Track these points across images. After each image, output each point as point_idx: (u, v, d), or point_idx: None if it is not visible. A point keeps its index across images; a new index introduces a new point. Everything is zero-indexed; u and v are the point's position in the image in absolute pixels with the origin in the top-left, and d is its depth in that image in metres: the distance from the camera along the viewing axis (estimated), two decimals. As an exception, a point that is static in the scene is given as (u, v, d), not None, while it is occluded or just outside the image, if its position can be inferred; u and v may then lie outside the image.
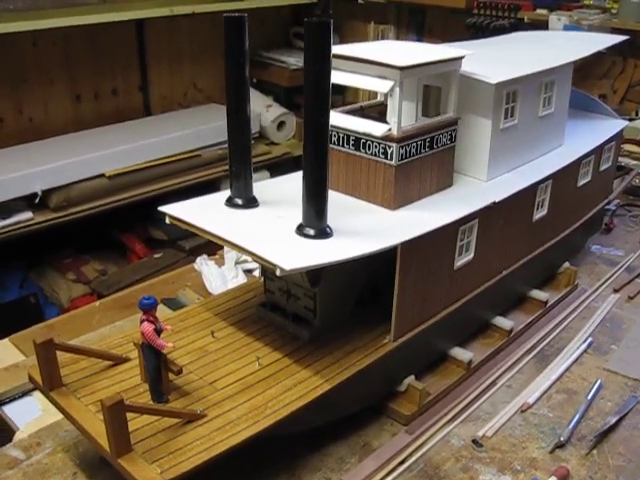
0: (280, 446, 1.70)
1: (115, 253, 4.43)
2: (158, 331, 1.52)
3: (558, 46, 2.49)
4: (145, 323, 1.50)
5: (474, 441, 1.83)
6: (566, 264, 2.55)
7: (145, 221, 4.46)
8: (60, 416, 1.70)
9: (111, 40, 4.54)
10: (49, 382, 1.60)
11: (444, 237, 1.81)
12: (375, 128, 1.74)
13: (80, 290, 4.03)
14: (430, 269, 1.81)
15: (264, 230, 1.65)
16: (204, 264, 2.59)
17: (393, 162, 1.74)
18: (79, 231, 4.13)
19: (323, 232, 1.61)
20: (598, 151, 2.51)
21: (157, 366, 1.54)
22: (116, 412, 1.34)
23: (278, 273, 1.45)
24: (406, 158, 1.77)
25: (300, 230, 1.61)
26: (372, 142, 1.77)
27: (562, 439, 1.82)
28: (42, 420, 1.92)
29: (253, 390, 1.60)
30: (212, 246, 3.37)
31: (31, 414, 1.96)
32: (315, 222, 1.59)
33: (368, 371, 1.72)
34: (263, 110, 5.18)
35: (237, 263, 2.66)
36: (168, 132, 4.44)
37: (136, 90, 4.83)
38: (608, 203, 2.82)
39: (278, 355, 1.74)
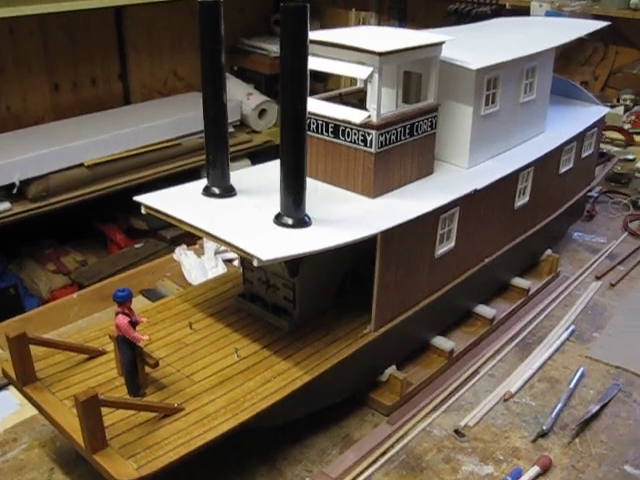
0: (260, 438, 1.68)
1: (96, 243, 4.38)
2: (133, 324, 1.49)
3: (539, 32, 2.47)
4: (120, 316, 1.47)
5: (456, 431, 1.81)
6: (548, 251, 2.54)
7: (126, 211, 4.40)
8: (36, 410, 1.67)
9: (90, 28, 4.47)
10: (23, 377, 1.57)
11: (425, 225, 1.78)
12: (354, 115, 1.71)
13: (60, 281, 3.98)
14: (411, 258, 1.78)
15: (241, 220, 1.62)
16: (183, 254, 2.56)
17: (372, 149, 1.72)
18: (59, 221, 4.08)
19: (302, 221, 1.58)
20: (580, 138, 2.49)
21: (133, 359, 1.51)
22: (90, 407, 1.31)
23: (255, 263, 1.42)
24: (386, 145, 1.74)
25: (278, 219, 1.58)
26: (351, 129, 1.74)
27: (544, 428, 1.81)
28: (20, 415, 1.88)
29: (231, 382, 1.58)
30: (192, 236, 3.33)
31: (8, 409, 1.92)
32: (293, 211, 1.56)
33: (349, 361, 1.69)
34: (244, 98, 5.13)
35: (217, 253, 2.63)
36: (148, 121, 4.38)
37: (115, 79, 4.76)
38: (590, 190, 2.81)
39: (257, 346, 1.71)
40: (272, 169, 1.92)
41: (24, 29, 4.12)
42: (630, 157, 3.58)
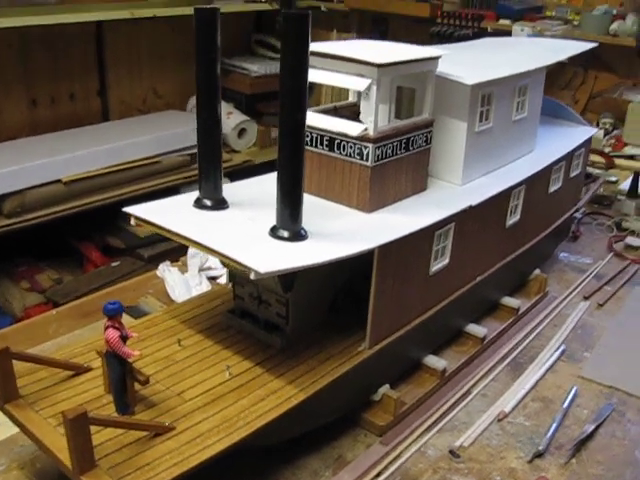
0: (251, 459, 1.62)
1: (71, 261, 4.28)
2: (124, 338, 1.43)
3: (529, 51, 2.48)
4: (110, 330, 1.41)
5: (451, 452, 1.77)
6: (537, 271, 2.53)
7: (102, 229, 4.32)
8: (15, 430, 1.59)
9: (69, 43, 4.41)
10: (4, 394, 1.49)
11: (420, 241, 1.75)
12: (351, 128, 1.68)
13: (34, 299, 3.88)
14: (406, 274, 1.75)
15: (236, 232, 1.58)
16: (167, 270, 2.50)
17: (369, 163, 1.69)
18: (34, 238, 3.99)
19: (298, 234, 1.54)
20: (569, 157, 2.49)
21: (122, 376, 1.45)
22: (79, 425, 1.24)
23: (252, 277, 1.37)
24: (382, 159, 1.72)
25: (274, 232, 1.54)
26: (347, 142, 1.71)
27: (540, 448, 1.78)
28: (-5, 435, 1.80)
29: (224, 401, 1.52)
30: (173, 253, 3.26)
31: (-17, 429, 1.84)
32: (290, 224, 1.52)
33: (343, 380, 1.65)
34: (224, 117, 5.09)
35: (201, 270, 2.57)
36: (127, 138, 4.32)
37: (94, 95, 4.69)
38: (577, 210, 2.81)
39: (249, 364, 1.66)
40: (264, 182, 1.89)
41: (2, 42, 4.05)
42: (613, 179, 3.61)
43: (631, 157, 4.05)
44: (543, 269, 2.61)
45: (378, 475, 1.68)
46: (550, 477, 1.69)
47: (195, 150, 4.64)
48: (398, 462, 1.72)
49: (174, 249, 4.25)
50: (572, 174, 2.59)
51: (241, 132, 5.19)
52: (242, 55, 5.57)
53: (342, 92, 3.03)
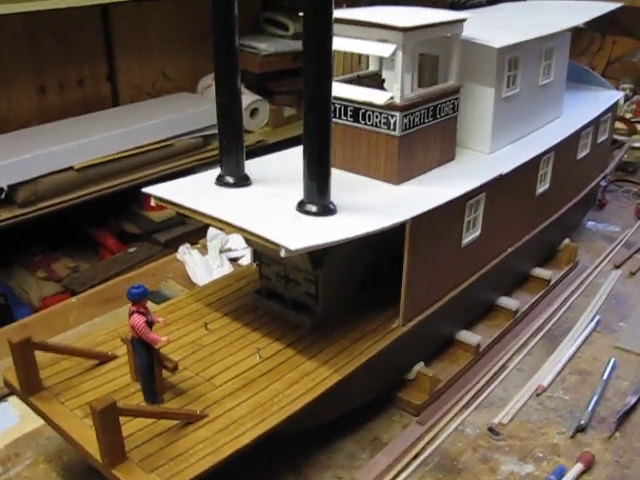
0: (284, 444, 1.56)
1: (87, 249, 4.22)
2: (149, 324, 1.37)
3: (554, 13, 2.37)
4: (135, 315, 1.35)
5: (490, 429, 1.71)
6: (566, 241, 2.45)
7: (117, 215, 4.26)
8: (40, 422, 1.55)
9: (76, 28, 4.32)
10: (28, 386, 1.44)
11: (452, 212, 1.68)
12: (376, 96, 1.61)
13: (51, 288, 3.82)
14: (439, 247, 1.68)
15: (262, 209, 1.51)
16: (187, 253, 2.44)
17: (396, 132, 1.61)
18: (48, 227, 3.93)
19: (327, 209, 1.47)
20: (596, 123, 2.41)
21: (149, 363, 1.39)
22: (108, 416, 1.19)
23: (282, 254, 1.31)
24: (410, 128, 1.64)
25: (301, 207, 1.47)
26: (373, 112, 1.63)
27: (582, 423, 1.72)
28: (20, 428, 1.75)
29: (256, 385, 1.46)
30: (190, 237, 3.21)
31: (7, 422, 1.78)
32: (318, 198, 1.45)
33: (378, 359, 1.59)
34: (235, 97, 5.01)
35: (221, 252, 2.52)
36: (138, 122, 4.24)
37: (103, 80, 4.61)
38: (604, 177, 2.72)
39: (279, 346, 1.60)
40: (286, 158, 1.82)
41: (8, 29, 3.98)
42: (637, 145, 3.51)
43: (654, 122, 3.94)
44: (572, 239, 2.54)
45: (416, 456, 1.62)
46: (595, 452, 1.63)
47: (208, 132, 4.55)
48: (436, 442, 1.66)
49: (190, 232, 4.19)
50: (599, 140, 2.51)
51: (253, 112, 5.10)
52: (250, 34, 5.46)
53: (353, 64, 2.94)
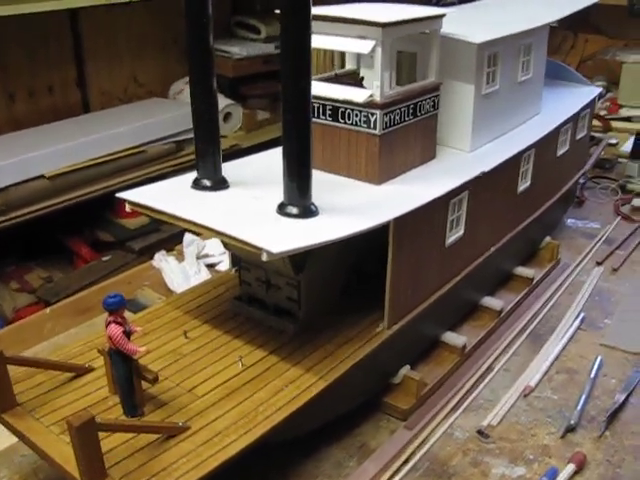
0: (269, 453, 1.51)
1: (60, 258, 4.13)
2: (127, 334, 1.31)
3: (531, 9, 2.35)
4: (112, 325, 1.30)
5: (479, 432, 1.68)
6: (547, 239, 2.43)
7: (91, 223, 4.18)
8: (14, 439, 1.48)
9: (44, 33, 4.23)
10: (1, 403, 1.38)
11: (436, 211, 1.65)
12: (356, 94, 1.57)
13: (25, 300, 3.73)
14: (423, 247, 1.65)
15: (241, 212, 1.46)
16: (163, 260, 2.38)
17: (377, 131, 1.58)
18: (20, 237, 3.84)
19: (308, 210, 1.43)
20: (575, 119, 2.39)
21: (128, 375, 1.33)
22: (86, 433, 1.13)
23: (264, 258, 1.26)
24: (391, 126, 1.61)
25: (282, 209, 1.43)
26: (352, 110, 1.60)
27: (572, 422, 1.69)
28: (-7, 445, 1.68)
29: (239, 394, 1.41)
30: (165, 244, 3.14)
31: (-21, 439, 1.72)
32: (299, 199, 1.41)
33: (363, 364, 1.54)
34: (208, 102, 4.95)
35: (198, 258, 2.46)
36: (110, 128, 4.16)
37: (73, 86, 4.51)
38: (584, 174, 2.71)
39: (262, 353, 1.55)
40: (263, 160, 1.78)
41: (-27, 36, 3.89)
42: (613, 141, 3.52)
43: (628, 119, 3.96)
44: (552, 236, 2.52)
45: (406, 462, 1.58)
46: (586, 452, 1.60)
47: (181, 137, 4.46)
48: (425, 447, 1.63)
49: (165, 239, 4.12)
50: (578, 136, 2.49)
51: (226, 116, 5.04)
52: (222, 38, 5.41)
53: (327, 63, 2.90)
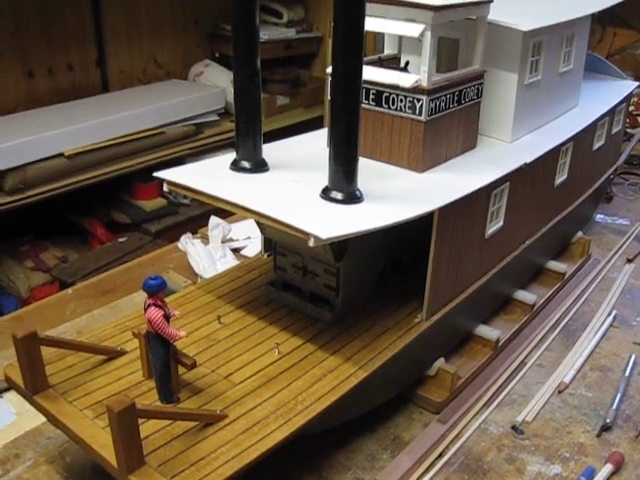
0: (302, 444, 1.47)
1: (75, 238, 4.10)
2: (167, 317, 1.28)
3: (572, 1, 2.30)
4: (152, 308, 1.26)
5: (514, 427, 1.64)
6: (579, 234, 2.39)
7: (107, 204, 4.15)
8: (39, 420, 1.47)
9: (64, 11, 4.19)
10: (33, 384, 1.35)
11: (478, 202, 1.61)
12: (402, 79, 1.52)
13: (40, 279, 3.71)
14: (464, 237, 1.61)
15: (283, 196, 1.42)
16: (189, 243, 2.34)
17: (422, 117, 1.53)
18: (37, 216, 3.81)
19: (353, 196, 1.38)
20: (611, 113, 2.34)
21: (166, 359, 1.30)
22: (127, 418, 1.09)
23: (312, 244, 1.22)
24: (436, 113, 1.56)
25: (326, 194, 1.39)
26: (397, 95, 1.55)
27: (608, 421, 1.66)
28: (17, 426, 1.65)
29: (277, 383, 1.38)
30: (181, 227, 3.09)
31: (3, 420, 1.68)
32: (344, 185, 1.37)
33: (401, 354, 1.51)
34: (228, 85, 4.89)
35: (223, 242, 2.42)
36: (129, 109, 4.12)
37: (93, 65, 4.48)
38: (616, 169, 2.66)
39: (298, 341, 1.51)
40: (301, 143, 1.74)
41: (-7, 11, 3.84)
42: (641, 137, 3.46)
43: (656, 115, 3.90)
44: (583, 232, 2.47)
45: (440, 456, 1.55)
46: (623, 452, 1.57)
47: (200, 120, 4.42)
48: (459, 441, 1.59)
49: (182, 222, 4.10)
50: (614, 131, 2.45)
51: (245, 101, 4.99)
52: (243, 20, 5.35)
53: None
